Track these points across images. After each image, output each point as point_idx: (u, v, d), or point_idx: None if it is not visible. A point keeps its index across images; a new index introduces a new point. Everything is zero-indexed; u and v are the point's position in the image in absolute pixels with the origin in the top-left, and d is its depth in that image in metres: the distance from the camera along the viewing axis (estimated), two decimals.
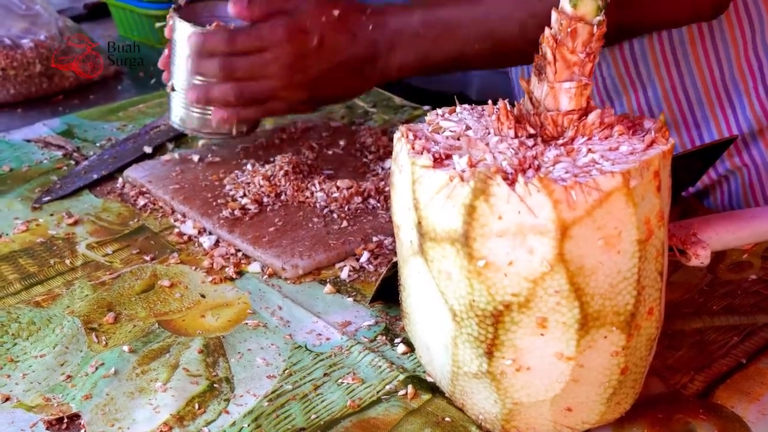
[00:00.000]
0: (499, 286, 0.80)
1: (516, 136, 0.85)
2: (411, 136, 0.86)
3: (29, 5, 1.78)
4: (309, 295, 1.11)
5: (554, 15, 0.85)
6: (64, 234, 1.24)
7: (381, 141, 1.44)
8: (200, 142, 1.45)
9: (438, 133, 0.87)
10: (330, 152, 1.42)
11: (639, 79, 1.37)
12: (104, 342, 1.03)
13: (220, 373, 0.98)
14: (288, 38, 1.20)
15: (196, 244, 1.21)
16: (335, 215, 1.24)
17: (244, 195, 1.28)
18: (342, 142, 1.45)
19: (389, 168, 1.30)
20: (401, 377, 0.97)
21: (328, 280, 1.14)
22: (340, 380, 0.97)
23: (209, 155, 1.40)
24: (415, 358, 0.98)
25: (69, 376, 0.98)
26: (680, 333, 1.03)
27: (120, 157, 1.43)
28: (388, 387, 0.96)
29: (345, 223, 1.23)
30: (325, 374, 0.98)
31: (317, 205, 1.26)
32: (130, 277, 1.15)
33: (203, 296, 1.11)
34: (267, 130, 1.52)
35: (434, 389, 0.95)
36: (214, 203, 1.27)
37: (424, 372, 0.97)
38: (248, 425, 0.91)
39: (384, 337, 1.03)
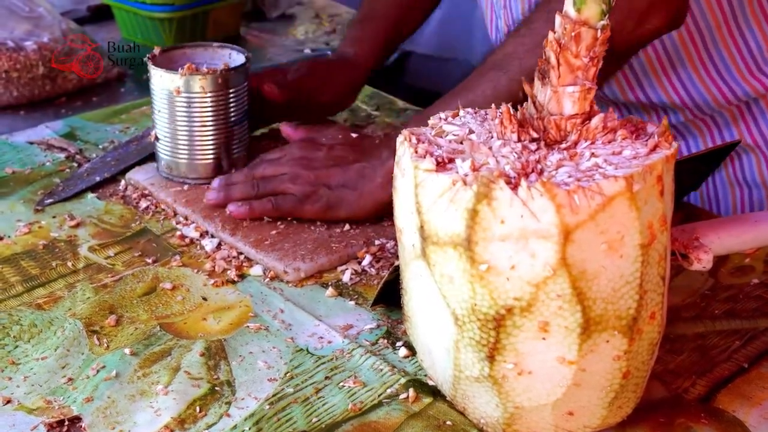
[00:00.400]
0: (501, 290, 0.80)
1: (519, 140, 0.85)
2: (414, 140, 0.86)
3: (32, 7, 1.78)
4: (311, 298, 1.11)
5: (558, 19, 0.85)
6: (67, 236, 1.24)
7: None
8: None
9: (441, 137, 0.88)
10: None
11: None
12: (106, 345, 1.03)
13: (221, 376, 0.98)
14: (304, 146, 1.31)
15: (198, 246, 1.21)
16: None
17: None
18: None
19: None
20: (402, 381, 0.97)
21: (330, 283, 1.14)
22: (341, 383, 0.97)
23: None
24: (417, 361, 0.98)
25: (70, 379, 0.98)
26: (682, 337, 1.03)
27: (123, 159, 1.43)
28: (389, 390, 0.96)
29: (347, 226, 1.23)
30: (326, 377, 0.98)
31: None
32: (132, 279, 1.15)
33: (205, 299, 1.11)
34: (270, 132, 1.52)
35: (435, 393, 0.94)
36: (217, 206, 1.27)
37: (425, 375, 0.96)
38: (249, 428, 0.91)
39: (385, 341, 1.03)
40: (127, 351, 1.02)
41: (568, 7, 0.85)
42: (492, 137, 0.86)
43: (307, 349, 1.02)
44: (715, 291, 1.10)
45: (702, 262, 0.92)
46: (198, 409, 0.93)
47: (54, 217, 1.29)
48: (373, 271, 1.15)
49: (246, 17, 2.14)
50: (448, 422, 0.91)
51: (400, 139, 0.87)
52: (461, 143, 0.86)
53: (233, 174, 1.31)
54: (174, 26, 1.93)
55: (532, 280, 0.79)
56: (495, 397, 0.86)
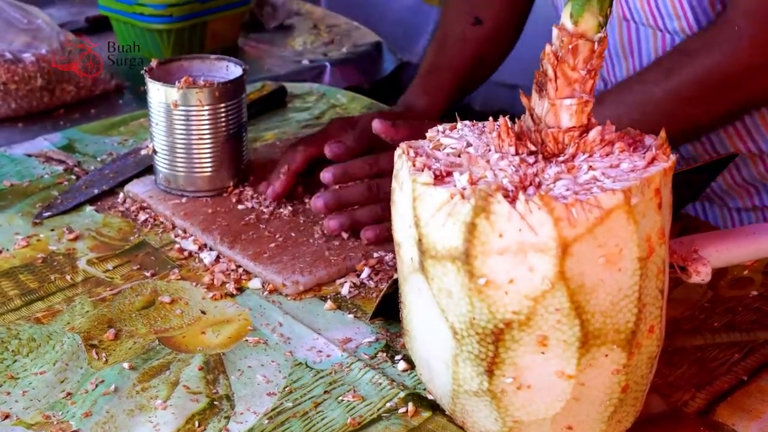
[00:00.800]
0: (500, 304, 0.80)
1: (517, 153, 0.85)
2: (412, 153, 0.86)
3: (31, 19, 1.78)
4: (309, 311, 1.11)
5: (555, 31, 0.85)
6: (65, 249, 1.24)
7: None
8: None
9: (439, 150, 0.87)
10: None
11: None
12: (104, 359, 1.03)
13: (220, 390, 0.98)
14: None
15: (197, 259, 1.21)
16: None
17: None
18: None
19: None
20: (402, 395, 0.96)
21: (328, 296, 1.14)
22: (340, 398, 0.97)
23: None
24: (416, 375, 0.98)
25: (69, 393, 0.98)
26: (681, 350, 1.02)
27: (121, 171, 1.43)
28: (388, 404, 0.95)
29: (345, 238, 1.23)
30: (325, 392, 0.98)
31: (318, 220, 1.26)
32: (131, 293, 1.15)
33: (204, 312, 1.11)
34: (269, 143, 1.52)
35: (435, 407, 0.94)
36: (216, 218, 1.27)
37: (424, 389, 0.96)
38: None
39: (384, 354, 1.03)
40: (125, 365, 1.01)
41: (565, 20, 0.85)
42: (490, 150, 0.86)
43: (306, 363, 1.02)
44: (714, 303, 1.10)
45: (701, 274, 0.92)
46: (197, 423, 0.93)
47: (52, 230, 1.29)
48: (371, 283, 1.15)
49: (244, 28, 2.14)
50: None
51: (398, 152, 0.87)
52: (459, 156, 0.86)
53: (350, 168, 1.27)
54: (172, 37, 1.94)
55: (531, 294, 0.79)
56: (494, 412, 0.85)
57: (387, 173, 1.20)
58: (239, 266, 1.19)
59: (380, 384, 0.98)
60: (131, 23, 1.99)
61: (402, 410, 0.94)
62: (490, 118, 0.90)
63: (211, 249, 1.23)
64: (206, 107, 1.30)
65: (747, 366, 1.00)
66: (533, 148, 0.86)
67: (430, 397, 0.95)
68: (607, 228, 0.78)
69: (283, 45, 2.12)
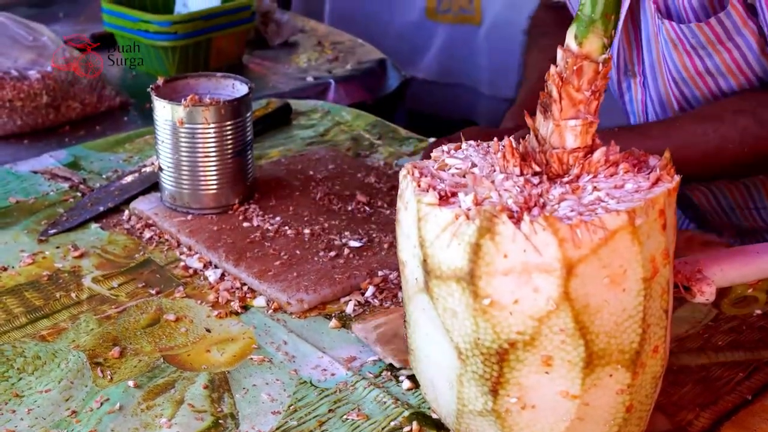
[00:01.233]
0: (505, 325, 0.80)
1: (521, 174, 0.85)
2: (417, 174, 0.87)
3: (36, 36, 1.79)
4: (314, 329, 1.11)
5: (560, 53, 0.85)
6: (70, 267, 1.24)
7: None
8: None
9: (444, 171, 0.88)
10: (337, 186, 1.42)
11: None
12: (109, 377, 1.03)
13: (225, 408, 0.98)
14: None
15: (202, 277, 1.22)
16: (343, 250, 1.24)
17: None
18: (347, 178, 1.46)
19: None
20: (406, 413, 0.97)
21: (333, 314, 1.14)
22: (344, 416, 0.97)
23: None
24: (420, 394, 0.98)
25: (74, 412, 0.98)
26: (685, 369, 1.02)
27: (126, 189, 1.44)
28: (392, 423, 0.96)
29: (350, 256, 1.23)
30: (330, 410, 0.98)
31: (323, 238, 1.27)
32: (136, 311, 1.15)
33: (208, 331, 1.11)
34: (273, 161, 1.52)
35: (439, 426, 0.94)
36: (221, 236, 1.28)
37: (429, 408, 0.96)
38: None
39: (389, 373, 1.03)
40: (130, 383, 1.02)
41: (570, 41, 0.85)
42: (494, 171, 0.86)
43: (311, 382, 1.02)
44: (718, 322, 1.10)
45: (705, 294, 0.93)
46: None
47: (58, 247, 1.29)
48: (376, 302, 1.15)
49: (249, 45, 2.14)
50: None
51: (403, 172, 0.88)
52: (464, 177, 0.86)
53: None
54: (177, 54, 1.94)
55: (535, 315, 0.79)
56: (498, 431, 0.85)
57: None
58: (244, 284, 1.19)
59: (385, 403, 0.98)
60: (136, 40, 1.99)
61: (406, 429, 0.95)
62: (495, 139, 0.90)
63: (216, 266, 1.23)
64: (212, 125, 1.30)
65: (751, 385, 1.00)
66: (538, 168, 0.86)
67: (434, 416, 0.95)
68: (612, 249, 0.78)
69: (287, 62, 2.12)
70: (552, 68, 0.86)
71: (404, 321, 0.92)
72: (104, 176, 1.50)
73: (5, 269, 1.24)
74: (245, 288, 1.19)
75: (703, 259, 0.95)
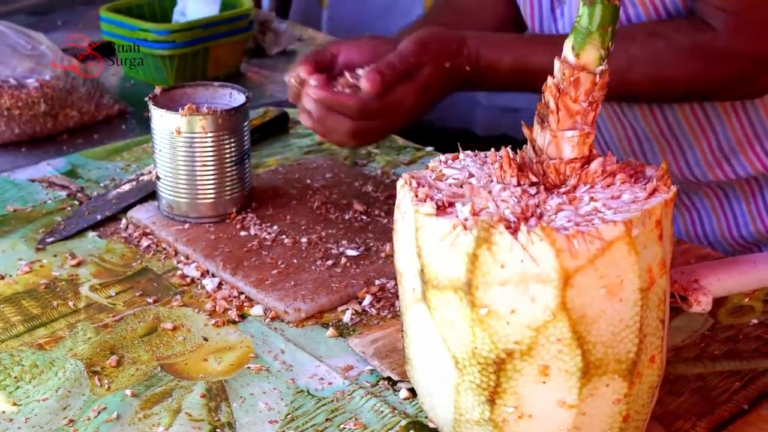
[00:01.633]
0: (502, 334, 0.80)
1: (518, 184, 0.86)
2: (414, 184, 0.87)
3: (34, 45, 1.79)
4: (311, 338, 1.11)
5: (557, 64, 0.86)
6: (68, 275, 1.25)
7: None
8: None
9: (441, 181, 0.88)
10: (334, 195, 1.43)
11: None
12: (107, 385, 1.03)
13: (222, 417, 0.98)
14: (412, 107, 1.28)
15: (199, 286, 1.22)
16: (340, 259, 1.24)
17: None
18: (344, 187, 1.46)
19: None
20: (403, 422, 0.97)
21: (330, 323, 1.14)
22: (342, 425, 0.97)
23: None
24: (418, 403, 0.98)
25: (71, 421, 0.98)
26: (682, 378, 1.03)
27: (123, 197, 1.44)
28: None
29: (347, 265, 1.23)
30: (327, 419, 0.98)
31: (320, 247, 1.27)
32: (133, 319, 1.15)
33: (206, 339, 1.11)
34: (271, 169, 1.52)
35: None
36: (218, 245, 1.28)
37: (426, 418, 0.97)
38: None
39: (386, 382, 1.03)
40: (128, 392, 1.02)
41: (567, 52, 0.86)
42: (492, 181, 0.87)
43: (308, 391, 1.02)
44: (715, 331, 1.10)
45: (701, 304, 0.93)
46: None
47: (55, 255, 1.29)
48: (373, 311, 1.15)
49: (246, 54, 2.15)
50: None
51: (400, 182, 0.88)
52: (461, 187, 0.87)
53: (338, 103, 1.26)
54: (175, 63, 1.94)
55: (532, 324, 0.79)
56: None
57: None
58: (241, 293, 1.19)
59: (382, 412, 0.99)
60: (135, 48, 2.00)
61: None
62: (492, 149, 0.90)
63: (213, 275, 1.23)
64: (210, 134, 1.31)
65: (748, 395, 1.00)
66: (535, 179, 0.86)
67: (431, 425, 0.96)
68: (609, 259, 0.78)
69: (285, 71, 2.11)
70: (549, 79, 0.86)
71: (402, 330, 0.93)
72: (102, 185, 1.50)
73: (2, 278, 1.24)
74: (242, 297, 1.19)
75: (700, 269, 0.96)
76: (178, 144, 1.31)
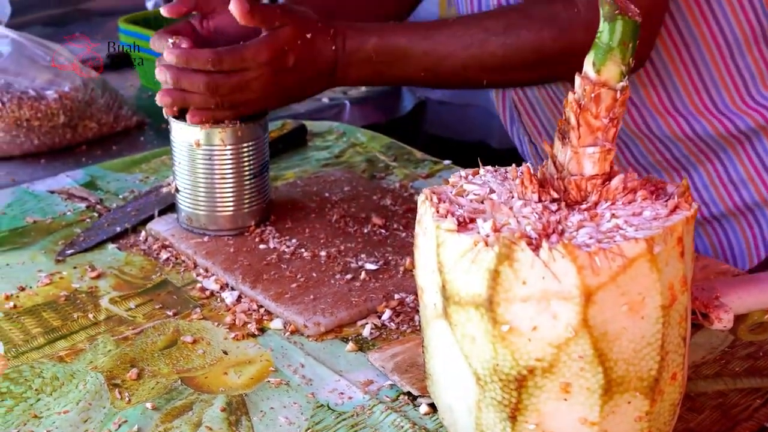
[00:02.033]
0: (523, 351, 0.80)
1: (540, 201, 0.86)
2: (435, 199, 0.87)
3: (53, 56, 1.80)
4: (331, 353, 1.11)
5: (578, 80, 0.86)
6: (88, 288, 1.25)
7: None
8: None
9: (462, 196, 0.88)
10: (353, 208, 1.43)
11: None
12: (127, 398, 1.04)
13: (242, 431, 0.98)
14: (269, 60, 1.28)
15: (219, 299, 1.22)
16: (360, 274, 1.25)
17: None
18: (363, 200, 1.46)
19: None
20: None
21: (350, 337, 1.14)
22: None
23: None
24: (438, 418, 0.98)
25: None
26: (702, 395, 1.02)
27: (143, 209, 1.44)
28: None
29: (366, 279, 1.23)
30: None
31: (339, 261, 1.27)
32: (153, 332, 1.15)
33: (226, 353, 1.11)
34: (289, 182, 1.53)
35: None
36: (238, 258, 1.28)
37: None
38: None
39: (406, 397, 1.03)
40: (148, 405, 1.02)
41: (588, 68, 0.86)
42: (513, 197, 0.87)
43: (328, 405, 1.02)
44: (735, 348, 1.10)
45: (723, 321, 0.93)
46: None
47: (75, 267, 1.30)
48: (392, 325, 1.15)
49: None
50: None
51: (421, 198, 0.88)
52: (482, 203, 0.87)
53: (185, 78, 1.28)
54: None
55: (554, 341, 0.79)
56: None
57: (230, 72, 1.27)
58: (261, 306, 1.20)
59: (402, 427, 0.99)
60: (152, 60, 2.00)
61: None
62: (513, 165, 0.90)
63: (232, 288, 1.24)
64: (229, 147, 1.31)
65: None
66: (556, 195, 0.86)
67: None
68: (630, 276, 0.78)
69: None
70: (570, 95, 0.87)
71: (422, 346, 0.93)
72: (121, 196, 1.51)
73: (23, 289, 1.25)
74: (262, 310, 1.19)
75: (720, 286, 0.96)
76: (197, 156, 1.32)
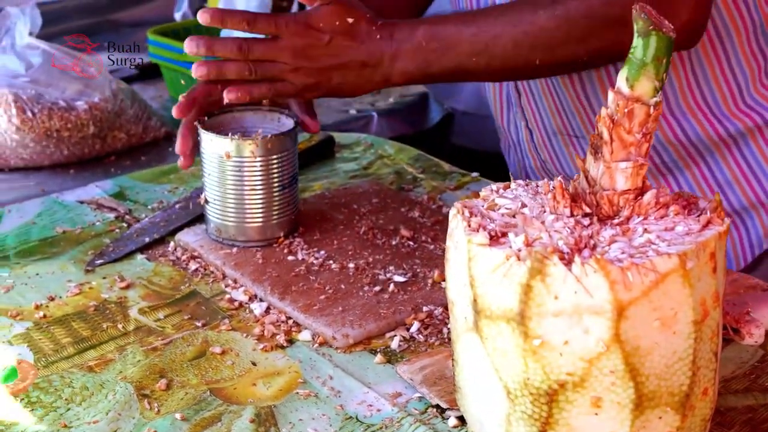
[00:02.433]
0: (555, 365, 0.80)
1: (572, 215, 0.86)
2: (467, 213, 0.87)
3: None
4: (359, 365, 1.12)
5: (611, 95, 0.86)
6: (117, 298, 1.26)
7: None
8: None
9: (493, 210, 0.88)
10: (381, 220, 1.43)
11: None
12: (156, 409, 1.04)
13: None
14: (302, 32, 1.29)
15: (247, 310, 1.22)
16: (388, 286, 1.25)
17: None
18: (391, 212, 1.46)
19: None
20: None
21: (378, 349, 1.14)
22: None
23: None
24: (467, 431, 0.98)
25: None
26: (732, 410, 1.02)
27: (171, 220, 1.45)
28: None
29: (395, 291, 1.23)
30: None
31: (367, 273, 1.27)
32: (182, 343, 1.16)
33: (254, 364, 1.12)
34: (317, 194, 1.53)
35: None
36: (266, 269, 1.29)
37: None
38: None
39: (435, 410, 1.03)
40: (177, 416, 1.02)
41: (621, 84, 0.86)
42: (545, 211, 0.87)
43: (357, 417, 1.02)
44: (764, 363, 1.10)
45: (754, 336, 0.93)
46: None
47: (104, 278, 1.31)
48: (421, 338, 1.16)
49: None
50: None
51: (452, 211, 0.88)
52: (514, 217, 0.87)
53: (219, 43, 1.30)
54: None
55: (586, 356, 0.79)
56: None
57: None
58: (289, 318, 1.20)
59: None
60: (180, 71, 2.01)
61: None
62: (545, 179, 0.91)
63: (261, 300, 1.24)
64: (259, 158, 1.31)
65: None
66: (588, 210, 0.87)
67: None
68: (663, 292, 0.78)
69: None
70: (603, 110, 0.87)
71: (452, 359, 0.93)
72: (149, 207, 1.52)
73: (53, 299, 1.25)
74: (290, 322, 1.19)
75: (751, 301, 0.96)
76: (227, 168, 1.32)
